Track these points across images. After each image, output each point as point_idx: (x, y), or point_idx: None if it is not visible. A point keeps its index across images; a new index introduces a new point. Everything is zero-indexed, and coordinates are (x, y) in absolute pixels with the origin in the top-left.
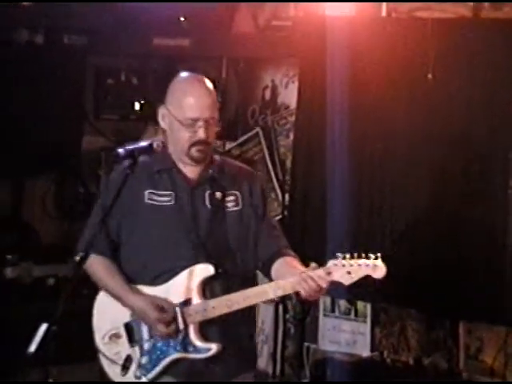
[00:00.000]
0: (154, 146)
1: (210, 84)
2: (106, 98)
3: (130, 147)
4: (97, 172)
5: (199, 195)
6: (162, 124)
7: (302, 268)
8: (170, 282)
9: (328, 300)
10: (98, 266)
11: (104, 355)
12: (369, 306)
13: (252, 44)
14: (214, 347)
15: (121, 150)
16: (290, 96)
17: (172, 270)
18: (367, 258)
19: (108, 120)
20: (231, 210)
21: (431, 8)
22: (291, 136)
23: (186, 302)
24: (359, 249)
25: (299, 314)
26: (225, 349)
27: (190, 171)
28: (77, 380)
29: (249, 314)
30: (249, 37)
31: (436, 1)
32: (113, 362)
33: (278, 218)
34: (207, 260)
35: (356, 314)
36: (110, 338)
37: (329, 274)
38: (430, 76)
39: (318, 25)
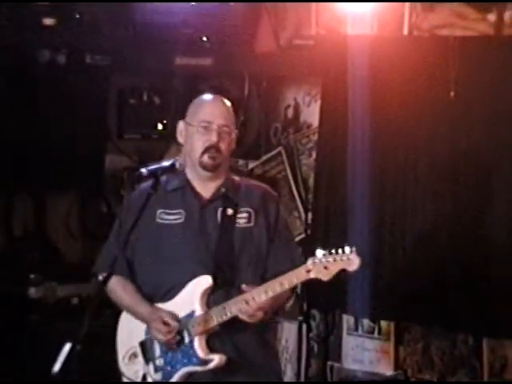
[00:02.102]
0: (177, 165)
1: (227, 102)
2: (129, 117)
3: (153, 167)
4: (119, 191)
5: (210, 212)
6: (180, 139)
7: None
8: (177, 297)
9: (351, 319)
10: (116, 285)
11: (124, 375)
12: (392, 325)
13: (274, 63)
14: (215, 358)
15: (143, 170)
16: (312, 115)
17: (180, 285)
18: (343, 250)
19: (130, 139)
20: (242, 226)
21: (453, 26)
22: (313, 155)
23: (191, 314)
24: (382, 266)
25: (323, 332)
26: (234, 361)
27: (204, 188)
28: None
29: (263, 329)
30: (271, 56)
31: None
32: (132, 381)
33: (300, 236)
34: (213, 273)
35: (379, 333)
36: (130, 358)
37: (308, 271)
38: (452, 94)
39: (339, 43)
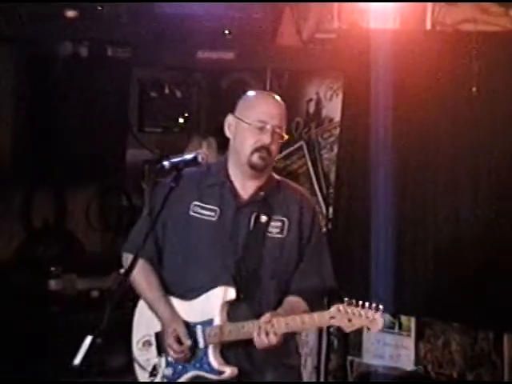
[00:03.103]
0: (199, 158)
1: (282, 102)
2: (150, 110)
3: (175, 160)
4: (140, 185)
5: (244, 215)
6: (228, 133)
7: (298, 311)
8: (197, 300)
9: None
10: (139, 270)
11: (136, 359)
12: (413, 320)
13: (296, 57)
14: (227, 371)
15: (166, 163)
16: (334, 109)
17: (202, 288)
18: (370, 307)
19: (151, 133)
20: (274, 236)
21: (476, 21)
22: (335, 149)
23: (209, 322)
24: (403, 261)
25: None
26: (246, 373)
27: (243, 187)
28: None
29: (285, 344)
30: (293, 49)
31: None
32: (142, 367)
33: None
34: (236, 283)
35: (400, 328)
36: (144, 344)
37: (331, 318)
38: (474, 89)
39: (361, 38)
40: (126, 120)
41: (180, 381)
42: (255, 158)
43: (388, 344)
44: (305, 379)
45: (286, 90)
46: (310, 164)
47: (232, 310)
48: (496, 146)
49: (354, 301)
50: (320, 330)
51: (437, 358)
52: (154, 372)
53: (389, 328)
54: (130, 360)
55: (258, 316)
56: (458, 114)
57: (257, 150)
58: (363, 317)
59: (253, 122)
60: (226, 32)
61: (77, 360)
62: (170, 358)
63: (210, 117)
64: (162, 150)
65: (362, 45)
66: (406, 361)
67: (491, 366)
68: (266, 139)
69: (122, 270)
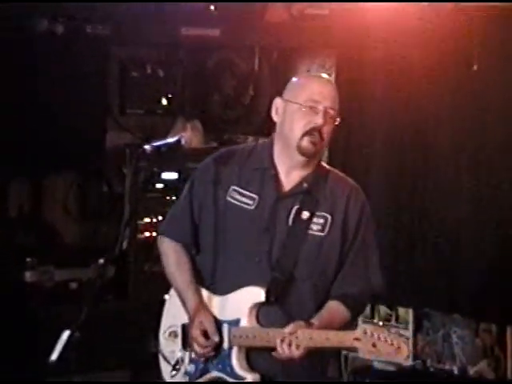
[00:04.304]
0: (182, 141)
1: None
2: (131, 91)
3: (157, 143)
4: (121, 170)
5: (285, 207)
6: (275, 117)
7: (336, 320)
8: (226, 296)
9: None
10: (171, 254)
11: (161, 350)
12: (410, 312)
13: (286, 33)
14: (248, 377)
15: (147, 147)
16: None
17: (231, 283)
18: (398, 334)
19: (133, 115)
20: (314, 234)
21: None
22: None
23: (235, 322)
24: (401, 248)
25: None
26: (274, 380)
27: (288, 175)
28: None
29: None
30: (282, 26)
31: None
32: (166, 359)
33: None
34: (267, 284)
35: (397, 320)
36: (170, 334)
37: (356, 339)
38: (475, 67)
39: (356, 13)
40: (105, 101)
41: (201, 381)
42: (305, 143)
43: None
44: None
45: (276, 68)
46: None
47: (262, 313)
48: (498, 123)
49: (381, 323)
50: None
51: (436, 352)
52: (176, 367)
53: (385, 320)
54: (114, 355)
55: (290, 322)
56: (459, 92)
57: (308, 132)
58: (388, 343)
59: (304, 101)
60: (212, 7)
61: (53, 356)
62: (193, 354)
63: (194, 98)
64: (144, 133)
65: (357, 20)
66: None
67: (494, 361)
68: (318, 120)
69: (102, 261)
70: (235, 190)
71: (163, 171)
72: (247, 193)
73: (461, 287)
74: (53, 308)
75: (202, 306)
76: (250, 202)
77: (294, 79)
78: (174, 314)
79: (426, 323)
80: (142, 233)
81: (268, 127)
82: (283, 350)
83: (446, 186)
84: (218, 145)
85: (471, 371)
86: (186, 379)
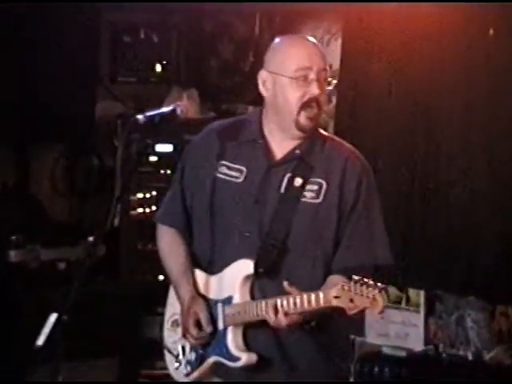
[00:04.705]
0: (178, 111)
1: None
2: (123, 58)
3: (151, 113)
4: (112, 142)
5: (276, 176)
6: (264, 91)
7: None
8: (220, 275)
9: None
10: (166, 239)
11: (165, 342)
12: (422, 294)
13: None
14: (244, 357)
15: (140, 117)
16: (332, 55)
17: (224, 260)
18: (375, 287)
19: (125, 83)
20: (308, 201)
21: None
22: (333, 100)
23: (229, 299)
24: (412, 226)
25: None
26: (274, 362)
27: (280, 146)
28: (89, 377)
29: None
30: None
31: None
32: (170, 351)
33: None
34: (258, 255)
35: (407, 303)
36: (172, 323)
37: (335, 298)
38: (491, 31)
39: None
40: (95, 69)
41: (203, 366)
42: (303, 119)
43: (394, 321)
44: None
45: (278, 34)
46: None
47: (256, 287)
48: None
49: (361, 278)
50: None
51: (449, 337)
52: (178, 358)
53: (395, 303)
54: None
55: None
56: (474, 58)
57: (305, 104)
58: (364, 297)
59: (293, 73)
60: None
61: (40, 341)
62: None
63: (191, 65)
64: (136, 102)
65: None
66: (415, 340)
67: (511, 346)
68: (314, 89)
69: (91, 238)
70: (224, 165)
71: (157, 143)
72: (236, 166)
73: (476, 267)
74: (39, 290)
75: (195, 295)
76: (238, 174)
77: (275, 48)
78: (174, 301)
79: (438, 306)
80: (135, 209)
81: None
82: (270, 319)
83: (460, 164)
84: (216, 115)
85: (487, 357)
86: (188, 369)
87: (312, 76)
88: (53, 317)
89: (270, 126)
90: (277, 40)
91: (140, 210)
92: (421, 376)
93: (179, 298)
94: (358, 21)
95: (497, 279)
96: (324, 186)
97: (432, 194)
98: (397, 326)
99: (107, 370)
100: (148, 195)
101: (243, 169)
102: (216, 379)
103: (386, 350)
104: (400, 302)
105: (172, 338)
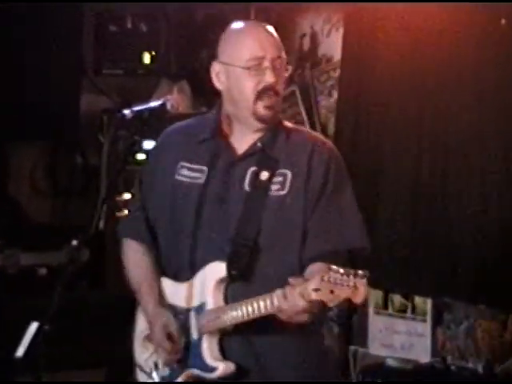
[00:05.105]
0: (168, 106)
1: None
2: (109, 49)
3: (139, 108)
4: (97, 138)
5: (239, 172)
6: (218, 84)
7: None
8: (190, 281)
9: (379, 294)
10: (129, 253)
11: (136, 360)
12: (429, 302)
13: None
14: (221, 367)
15: (127, 112)
16: (333, 46)
17: (192, 266)
18: (355, 275)
19: (111, 76)
20: (274, 194)
21: None
22: (334, 95)
23: (201, 307)
24: (418, 228)
25: (345, 311)
26: (250, 372)
27: (240, 140)
28: None
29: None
30: None
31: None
32: (142, 370)
33: None
34: (228, 257)
35: (413, 312)
36: (144, 339)
37: (315, 290)
38: (503, 21)
39: None
40: (79, 60)
41: (178, 381)
42: (261, 109)
43: (399, 331)
44: None
45: (275, 23)
46: (304, 113)
47: (230, 292)
48: None
49: (340, 269)
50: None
51: (458, 348)
52: (152, 375)
53: (399, 311)
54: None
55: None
56: (485, 48)
57: (261, 93)
58: (344, 286)
59: (246, 62)
60: None
61: (19, 352)
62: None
63: (181, 56)
64: (123, 96)
65: None
66: (421, 351)
67: None
68: (268, 78)
69: (75, 242)
70: (184, 167)
71: (145, 140)
72: (196, 166)
73: (487, 274)
74: (19, 297)
75: (161, 307)
76: (199, 175)
77: (225, 37)
78: (143, 316)
79: (446, 315)
80: (121, 211)
81: None
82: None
83: (470, 163)
84: (208, 109)
85: (498, 370)
86: None
87: (266, 64)
88: (33, 326)
89: (228, 121)
90: (228, 29)
91: (127, 211)
92: None
93: (144, 311)
94: (361, 9)
95: (509, 286)
96: (289, 176)
97: (440, 192)
98: (402, 337)
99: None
100: None
101: (204, 168)
102: None
103: (390, 362)
104: (405, 311)
105: (144, 354)
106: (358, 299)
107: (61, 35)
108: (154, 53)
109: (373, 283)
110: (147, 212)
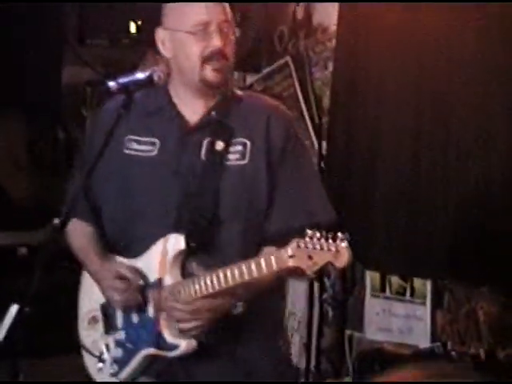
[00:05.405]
0: (155, 77)
1: None
2: (92, 18)
3: (124, 80)
4: (80, 112)
5: (194, 143)
6: (163, 51)
7: None
8: (144, 256)
9: (377, 276)
10: (74, 231)
11: (82, 343)
12: (429, 284)
13: None
14: (182, 344)
15: (112, 84)
16: (328, 15)
17: (145, 240)
18: (334, 238)
19: (95, 46)
20: (233, 164)
21: None
22: (330, 66)
23: (159, 283)
24: (417, 209)
25: (340, 293)
26: (211, 350)
27: (191, 110)
28: (54, 376)
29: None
30: None
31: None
32: (90, 352)
33: None
34: (186, 229)
35: (412, 294)
36: (89, 321)
37: (291, 257)
38: None
39: None
40: (61, 30)
41: (133, 362)
42: (209, 73)
43: (397, 315)
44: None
45: None
46: (297, 86)
47: (188, 266)
48: None
49: (316, 232)
50: (311, 297)
51: (459, 333)
52: (102, 357)
53: (397, 294)
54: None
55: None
56: (489, 32)
57: (208, 58)
58: (325, 250)
59: (192, 27)
60: None
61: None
62: (118, 336)
63: None
64: (107, 67)
65: None
66: (420, 336)
67: None
68: (215, 41)
69: (57, 221)
70: (132, 140)
71: None
72: (146, 139)
73: (489, 254)
74: None
75: (107, 259)
76: (150, 148)
77: (169, 3)
78: (89, 296)
79: (447, 297)
80: None
81: (257, 60)
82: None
83: (469, 145)
84: None
85: (501, 355)
86: (115, 368)
87: (212, 28)
88: (13, 308)
89: (176, 89)
90: None
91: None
92: None
93: (91, 273)
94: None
95: None
96: (248, 145)
97: (440, 169)
98: (400, 320)
99: (74, 368)
100: None
101: (155, 141)
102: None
103: (387, 347)
104: (403, 293)
105: (91, 337)
106: (340, 263)
107: (43, 5)
108: (140, 22)
109: (370, 264)
110: (90, 188)
